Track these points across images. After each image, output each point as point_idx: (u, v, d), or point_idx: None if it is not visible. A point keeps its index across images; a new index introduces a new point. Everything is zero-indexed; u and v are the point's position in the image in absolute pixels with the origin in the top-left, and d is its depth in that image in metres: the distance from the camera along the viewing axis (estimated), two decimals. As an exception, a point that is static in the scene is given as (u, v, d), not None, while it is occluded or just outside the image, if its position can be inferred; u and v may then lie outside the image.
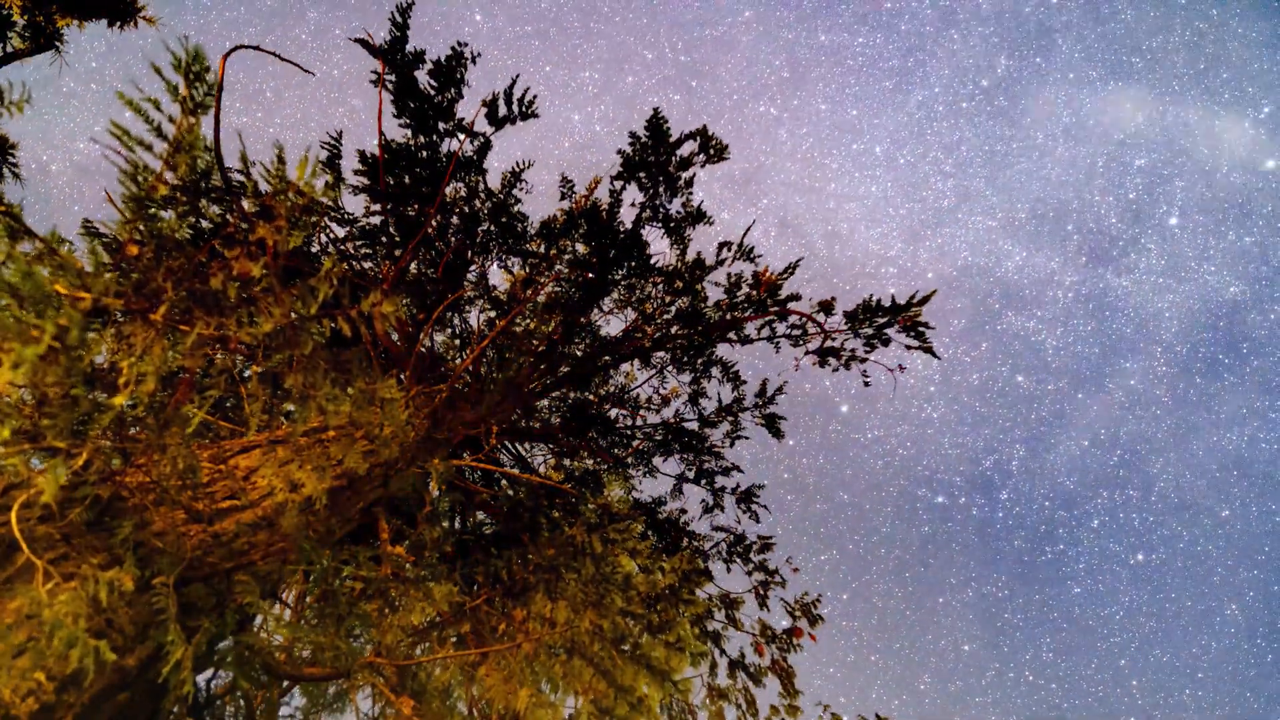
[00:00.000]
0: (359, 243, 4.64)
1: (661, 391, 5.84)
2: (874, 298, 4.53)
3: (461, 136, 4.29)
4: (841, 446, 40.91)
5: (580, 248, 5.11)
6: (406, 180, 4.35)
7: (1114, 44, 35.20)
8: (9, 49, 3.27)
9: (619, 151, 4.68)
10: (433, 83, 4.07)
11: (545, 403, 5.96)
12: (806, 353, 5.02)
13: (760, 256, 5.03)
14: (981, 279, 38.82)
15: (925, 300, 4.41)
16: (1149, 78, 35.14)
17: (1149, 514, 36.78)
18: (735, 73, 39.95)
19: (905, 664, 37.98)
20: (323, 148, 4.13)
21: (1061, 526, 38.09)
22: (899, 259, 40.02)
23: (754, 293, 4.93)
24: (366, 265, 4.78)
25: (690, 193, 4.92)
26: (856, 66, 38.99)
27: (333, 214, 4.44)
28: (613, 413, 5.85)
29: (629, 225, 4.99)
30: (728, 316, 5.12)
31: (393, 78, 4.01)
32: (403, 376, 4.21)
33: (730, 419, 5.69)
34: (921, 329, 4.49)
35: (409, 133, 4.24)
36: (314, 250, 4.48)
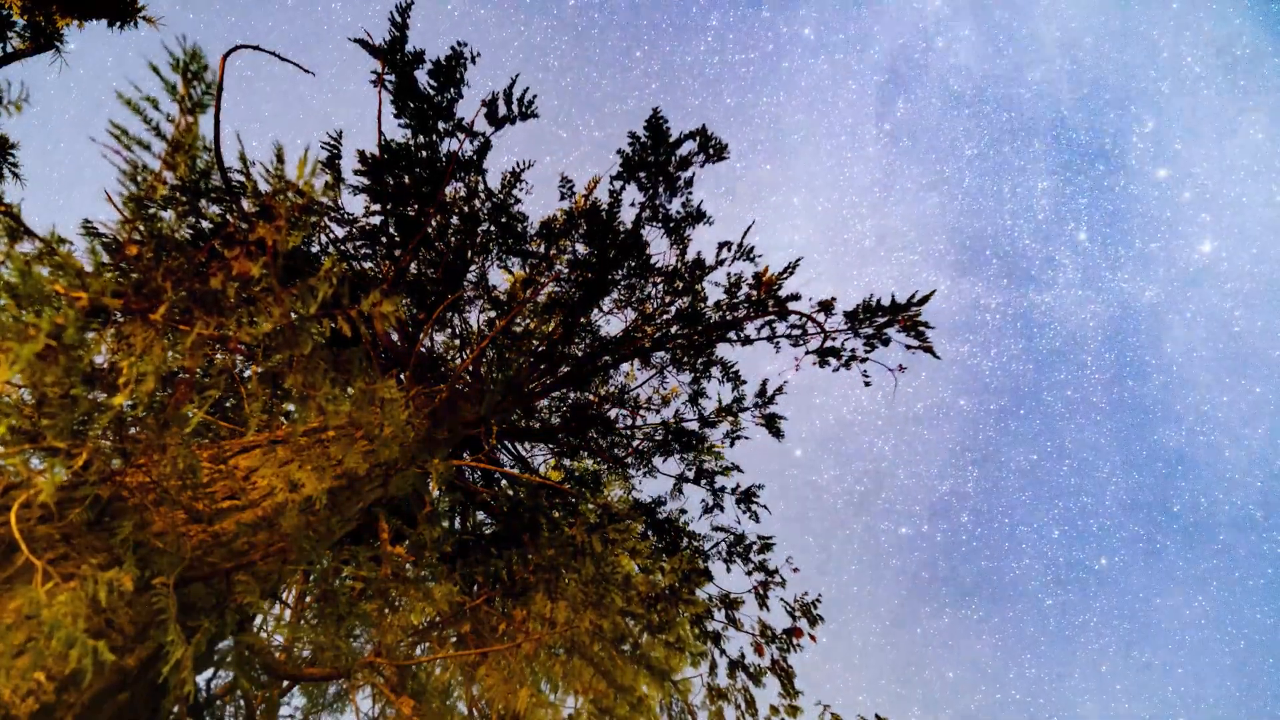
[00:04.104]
0: (359, 243, 4.63)
1: (661, 391, 5.84)
2: (874, 297, 4.53)
3: (461, 136, 4.29)
4: (799, 490, 41.27)
5: (580, 248, 5.11)
6: (406, 180, 4.35)
7: (1000, 78, 37.13)
8: (9, 49, 3.27)
9: (619, 151, 4.68)
10: (432, 83, 4.07)
11: (545, 403, 5.96)
12: (807, 353, 5.02)
13: (760, 257, 5.03)
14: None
15: (925, 300, 4.41)
16: (1038, 105, 36.99)
17: (1105, 518, 37.18)
18: (652, 140, 42.58)
19: (892, 699, 38.02)
20: (323, 148, 4.13)
21: (1024, 541, 38.36)
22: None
23: (754, 293, 4.93)
24: (366, 265, 4.78)
25: (690, 193, 4.93)
26: (764, 124, 40.59)
27: (333, 214, 4.44)
28: (613, 413, 5.85)
29: (629, 225, 4.99)
30: (728, 316, 5.12)
31: (392, 78, 4.01)
32: (403, 376, 4.21)
33: (730, 419, 5.69)
34: (922, 329, 4.49)
35: (409, 133, 4.24)
36: (314, 250, 4.48)
